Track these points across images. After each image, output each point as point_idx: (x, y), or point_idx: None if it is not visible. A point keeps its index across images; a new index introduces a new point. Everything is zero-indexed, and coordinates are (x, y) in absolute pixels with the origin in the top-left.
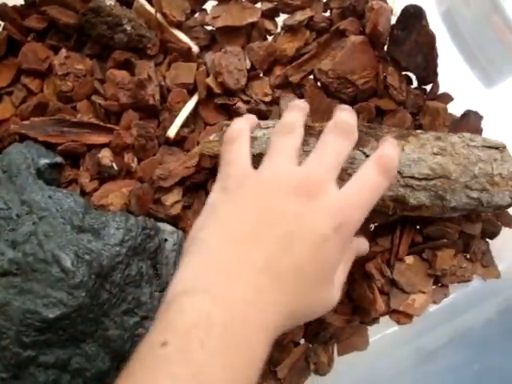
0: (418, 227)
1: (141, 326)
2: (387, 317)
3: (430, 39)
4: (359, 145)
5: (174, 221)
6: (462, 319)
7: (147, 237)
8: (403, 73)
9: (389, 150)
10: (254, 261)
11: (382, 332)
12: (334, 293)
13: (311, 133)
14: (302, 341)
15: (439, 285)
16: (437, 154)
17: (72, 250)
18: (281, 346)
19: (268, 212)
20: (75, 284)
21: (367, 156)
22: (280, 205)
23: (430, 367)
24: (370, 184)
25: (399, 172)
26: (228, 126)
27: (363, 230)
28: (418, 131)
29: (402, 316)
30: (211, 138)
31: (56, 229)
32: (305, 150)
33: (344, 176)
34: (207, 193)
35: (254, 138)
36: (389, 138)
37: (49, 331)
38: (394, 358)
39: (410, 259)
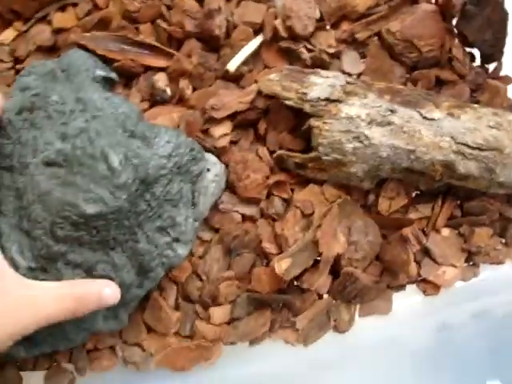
0: (458, 202)
1: (171, 247)
2: (413, 286)
3: (503, 17)
4: (417, 106)
5: (219, 153)
6: (486, 301)
7: (193, 159)
8: (468, 49)
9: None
10: None
11: (406, 301)
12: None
13: (371, 89)
14: (326, 296)
15: (471, 263)
16: (492, 128)
17: (121, 151)
18: (303, 295)
19: None
20: (119, 184)
21: (424, 117)
22: None
23: (448, 341)
24: None
25: (452, 137)
26: (289, 70)
27: (406, 193)
28: (476, 105)
29: (430, 286)
30: (271, 76)
31: (108, 129)
32: (363, 103)
33: (400, 134)
34: (256, 132)
35: (313, 84)
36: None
37: (83, 229)
38: (413, 327)
39: (446, 231)
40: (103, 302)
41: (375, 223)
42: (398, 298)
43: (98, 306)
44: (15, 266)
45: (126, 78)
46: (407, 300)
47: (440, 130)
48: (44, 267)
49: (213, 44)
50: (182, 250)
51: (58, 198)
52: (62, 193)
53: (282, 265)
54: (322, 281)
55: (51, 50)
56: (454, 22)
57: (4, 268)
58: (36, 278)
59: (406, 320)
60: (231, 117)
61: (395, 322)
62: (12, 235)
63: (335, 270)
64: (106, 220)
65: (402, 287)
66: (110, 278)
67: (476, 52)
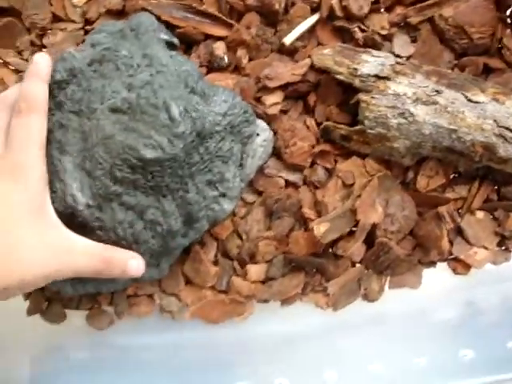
0: (495, 186)
1: (217, 201)
2: (443, 264)
3: None
4: (462, 89)
5: (269, 120)
6: None
7: (245, 121)
8: None
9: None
10: None
11: (435, 278)
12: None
13: (419, 70)
14: (358, 265)
15: (503, 247)
16: None
17: (182, 103)
18: (337, 261)
19: None
20: (177, 133)
21: (469, 100)
22: None
23: (473, 317)
24: None
25: (495, 121)
26: (342, 48)
27: (444, 173)
28: None
29: (461, 265)
30: (325, 51)
31: (171, 84)
32: (410, 82)
33: (443, 114)
34: (306, 104)
35: (364, 61)
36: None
37: (139, 172)
38: (440, 303)
39: (480, 214)
40: (127, 271)
41: (412, 199)
42: (427, 273)
43: (121, 275)
44: (75, 201)
45: (187, 44)
46: (437, 277)
47: (483, 113)
48: (100, 205)
49: (271, 18)
50: (228, 205)
51: (120, 141)
52: (123, 137)
53: (320, 228)
54: (356, 248)
55: (120, 14)
56: (509, 12)
57: (49, 209)
58: (92, 215)
59: (434, 296)
60: (283, 87)
61: (423, 296)
62: (75, 173)
63: (370, 241)
64: (161, 166)
65: (432, 264)
66: (159, 224)
67: None
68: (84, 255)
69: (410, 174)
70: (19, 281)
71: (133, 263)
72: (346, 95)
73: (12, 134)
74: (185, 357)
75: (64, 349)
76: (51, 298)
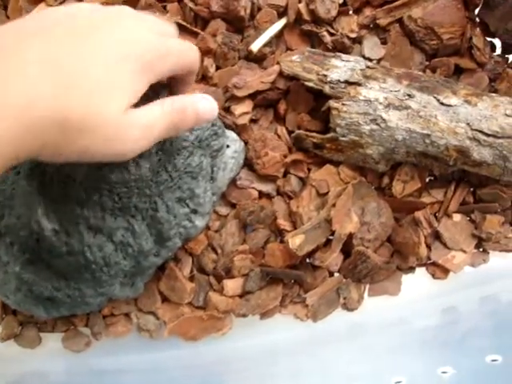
0: (471, 189)
1: (189, 218)
2: (422, 270)
3: None
4: (434, 92)
5: (239, 131)
6: (493, 287)
7: (214, 134)
8: (489, 39)
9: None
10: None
11: (414, 283)
12: (128, 127)
13: (390, 74)
14: (336, 275)
15: (480, 249)
16: (509, 116)
17: None
18: (315, 272)
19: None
20: (141, 154)
21: (441, 103)
22: None
23: (454, 323)
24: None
25: (468, 124)
26: (311, 53)
27: (420, 177)
28: (493, 94)
29: (439, 270)
30: (293, 57)
31: None
32: (381, 87)
33: (416, 118)
34: (276, 112)
35: (334, 67)
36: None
37: (106, 195)
38: (421, 309)
39: (457, 217)
40: (200, 115)
41: (388, 205)
42: (406, 280)
43: (196, 122)
44: (40, 227)
45: None
46: (416, 282)
47: (456, 116)
48: (67, 230)
49: (237, 25)
50: (199, 222)
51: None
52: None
53: (295, 240)
54: (333, 258)
55: None
56: (477, 11)
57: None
58: (60, 240)
59: (414, 302)
60: (252, 96)
61: (403, 303)
62: (38, 198)
63: (347, 250)
64: (128, 187)
65: (411, 269)
66: (129, 245)
67: (497, 42)
68: (160, 117)
69: (386, 180)
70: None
71: (205, 104)
72: (317, 102)
73: None
74: (165, 376)
75: (40, 374)
76: (25, 322)
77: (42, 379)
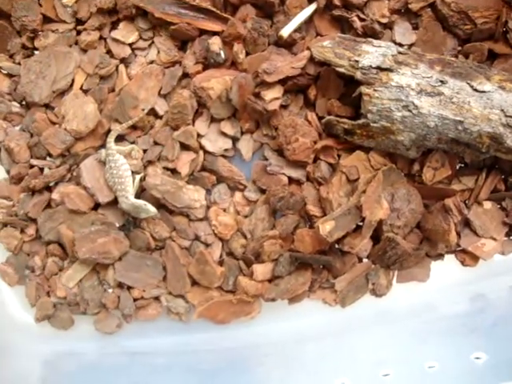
0: (503, 176)
1: None
2: (451, 256)
3: None
4: (467, 78)
5: (269, 116)
6: None
7: None
8: None
9: None
10: None
11: (443, 270)
12: None
13: (422, 60)
14: (365, 261)
15: (511, 238)
16: None
17: None
18: (344, 258)
19: None
20: None
21: (474, 89)
22: None
23: (482, 311)
24: None
25: (502, 110)
26: (342, 38)
27: (450, 164)
28: None
29: (469, 257)
30: (324, 43)
31: None
32: (413, 73)
33: (449, 105)
34: (306, 98)
35: (365, 52)
36: None
37: None
38: (449, 297)
39: (488, 204)
40: None
41: (418, 192)
42: (435, 266)
43: None
44: None
45: (182, 41)
46: (445, 269)
47: (490, 103)
48: None
49: (267, 10)
50: None
51: None
52: None
53: (326, 226)
54: (363, 244)
55: (111, 13)
56: None
57: None
58: None
59: (443, 289)
60: (282, 81)
61: (432, 289)
62: None
63: (376, 236)
64: None
65: (440, 256)
66: None
67: None
68: None
69: (416, 167)
70: None
71: None
72: (348, 88)
73: None
74: (194, 359)
75: (73, 354)
76: (58, 304)
77: (74, 359)
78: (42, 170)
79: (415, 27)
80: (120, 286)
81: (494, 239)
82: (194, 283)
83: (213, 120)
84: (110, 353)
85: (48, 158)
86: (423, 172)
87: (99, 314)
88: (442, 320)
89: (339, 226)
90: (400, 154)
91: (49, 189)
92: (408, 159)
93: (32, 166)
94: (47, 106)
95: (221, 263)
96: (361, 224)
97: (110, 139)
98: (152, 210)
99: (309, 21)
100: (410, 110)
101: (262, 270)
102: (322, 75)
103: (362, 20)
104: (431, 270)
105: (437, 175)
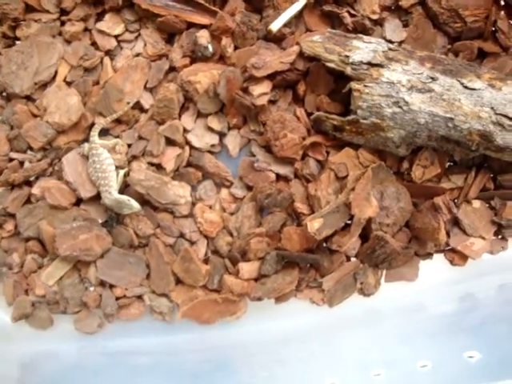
0: (492, 175)
1: None
2: (440, 256)
3: None
4: (458, 75)
5: (258, 111)
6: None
7: None
8: None
9: None
10: None
11: (432, 270)
12: None
13: (412, 57)
14: (353, 260)
15: (499, 237)
16: None
17: None
18: (332, 256)
19: None
20: None
21: (465, 86)
22: None
23: (470, 310)
24: None
25: (492, 108)
26: (332, 34)
27: (440, 163)
28: None
29: (458, 256)
30: (314, 38)
31: None
32: (404, 69)
33: (439, 102)
34: (295, 94)
35: (356, 48)
36: None
37: None
38: (438, 297)
39: (477, 203)
40: None
41: (407, 191)
42: (424, 266)
43: None
44: None
45: (169, 34)
46: (433, 269)
47: (480, 100)
48: None
49: (256, 4)
50: None
51: None
52: None
53: (314, 224)
54: (351, 243)
55: (96, 3)
56: None
57: None
58: None
59: (431, 288)
60: (271, 76)
61: (420, 289)
62: None
63: (365, 234)
64: None
65: (429, 255)
66: None
67: None
68: None
69: (405, 165)
70: None
71: None
72: (337, 83)
73: None
74: (177, 360)
75: (53, 355)
76: (36, 303)
77: (53, 360)
78: (22, 163)
79: (405, 24)
80: (102, 284)
81: (483, 238)
82: (178, 282)
83: (199, 115)
84: (91, 353)
85: (29, 152)
86: (412, 170)
87: (80, 313)
88: (431, 319)
89: (328, 223)
90: (389, 151)
91: (29, 183)
92: (397, 157)
93: (11, 160)
94: (28, 98)
95: (206, 261)
96: (349, 222)
97: (94, 133)
98: (135, 205)
99: (298, 16)
100: (400, 107)
101: (248, 268)
102: (312, 71)
103: (352, 16)
104: (420, 270)
105: (426, 173)
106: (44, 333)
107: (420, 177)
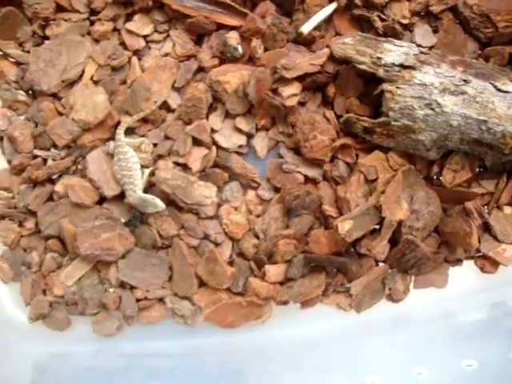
0: None
1: None
2: (469, 263)
3: None
4: (491, 79)
5: (287, 112)
6: None
7: None
8: None
9: None
10: None
11: (462, 277)
12: None
13: (444, 60)
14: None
15: None
16: None
17: None
18: (360, 260)
19: None
20: None
21: (498, 89)
22: None
23: (503, 318)
24: None
25: None
26: (363, 37)
27: (470, 167)
28: None
29: (489, 263)
30: (346, 40)
31: None
32: (436, 72)
33: (472, 104)
34: (324, 96)
35: (387, 50)
36: None
37: None
38: (468, 304)
39: (508, 209)
40: None
41: (436, 195)
42: (453, 272)
43: None
44: None
45: (197, 35)
46: (463, 276)
47: None
48: None
49: (287, 7)
50: None
51: None
52: None
53: (344, 225)
54: (381, 246)
55: (127, 4)
56: None
57: None
58: None
59: (460, 295)
60: (301, 78)
61: (449, 296)
62: None
63: (393, 239)
64: None
65: (458, 262)
66: None
67: None
68: None
69: (435, 169)
70: None
71: None
72: (367, 86)
73: None
74: (197, 363)
75: (68, 357)
76: (54, 303)
77: (69, 362)
78: (45, 161)
79: (435, 30)
80: (122, 285)
81: None
82: (202, 284)
83: (227, 115)
84: (108, 356)
85: (52, 150)
86: (443, 174)
87: (98, 315)
88: (457, 329)
89: (357, 226)
90: (419, 154)
91: (51, 181)
92: (427, 161)
93: (35, 157)
94: (55, 96)
95: (230, 264)
96: (377, 227)
97: (120, 131)
98: (160, 204)
99: (328, 20)
100: (432, 109)
101: (274, 271)
102: (341, 73)
103: (382, 20)
104: (449, 276)
105: (457, 178)
106: (61, 334)
107: (450, 181)
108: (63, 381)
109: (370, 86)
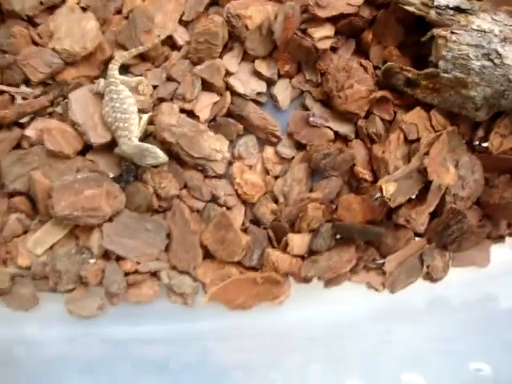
0: None
1: None
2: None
3: None
4: None
5: (318, 56)
6: None
7: None
8: None
9: None
10: None
11: (504, 255)
12: None
13: (499, 9)
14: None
15: None
16: None
17: None
18: (397, 232)
19: None
20: None
21: None
22: None
23: None
24: None
25: None
26: None
27: None
28: None
29: None
30: None
31: None
32: (494, 19)
33: None
34: (358, 44)
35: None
36: None
37: None
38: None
39: None
40: None
41: (480, 162)
42: (494, 251)
43: None
44: None
45: None
46: (506, 254)
47: None
48: None
49: None
50: None
51: None
52: None
53: (389, 187)
54: (426, 215)
55: None
56: None
57: None
58: None
59: (503, 276)
60: (334, 20)
61: (491, 276)
62: None
63: (434, 209)
64: None
65: (501, 238)
66: None
67: None
68: None
69: (480, 133)
70: None
71: None
72: (408, 35)
73: None
74: (200, 355)
75: (36, 345)
76: (18, 276)
77: (36, 350)
78: (13, 98)
79: None
80: (106, 255)
81: None
82: (207, 256)
83: (245, 57)
84: (86, 343)
85: (23, 87)
86: (489, 139)
87: (74, 292)
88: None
89: (401, 190)
90: (465, 115)
91: (20, 125)
92: (471, 124)
93: (1, 93)
94: (30, 21)
95: (244, 232)
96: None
97: (114, 66)
98: (162, 155)
99: None
100: (491, 60)
101: (298, 241)
102: (379, 19)
103: None
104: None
105: (505, 143)
106: (26, 315)
107: (497, 147)
108: (29, 375)
109: (412, 35)
